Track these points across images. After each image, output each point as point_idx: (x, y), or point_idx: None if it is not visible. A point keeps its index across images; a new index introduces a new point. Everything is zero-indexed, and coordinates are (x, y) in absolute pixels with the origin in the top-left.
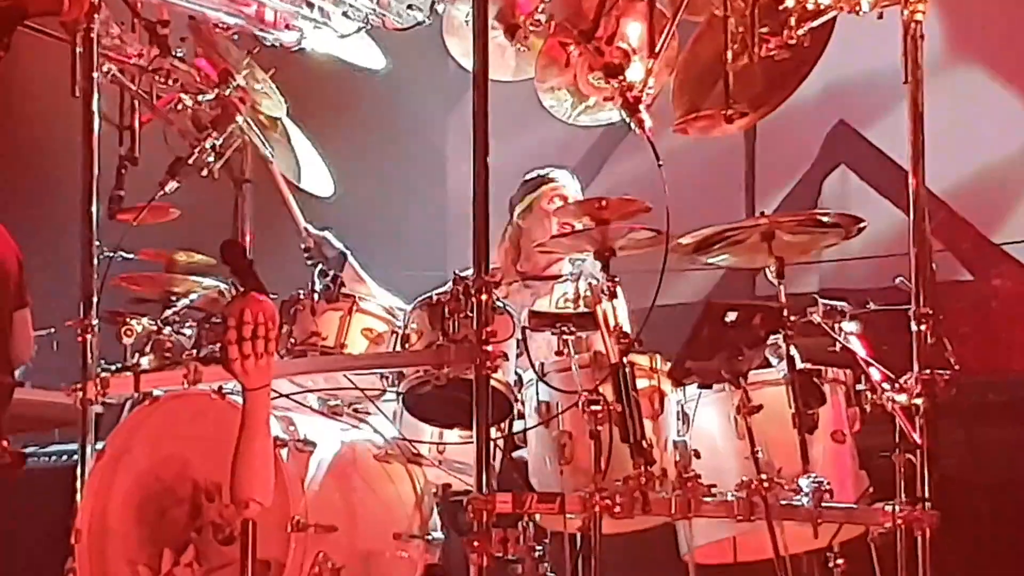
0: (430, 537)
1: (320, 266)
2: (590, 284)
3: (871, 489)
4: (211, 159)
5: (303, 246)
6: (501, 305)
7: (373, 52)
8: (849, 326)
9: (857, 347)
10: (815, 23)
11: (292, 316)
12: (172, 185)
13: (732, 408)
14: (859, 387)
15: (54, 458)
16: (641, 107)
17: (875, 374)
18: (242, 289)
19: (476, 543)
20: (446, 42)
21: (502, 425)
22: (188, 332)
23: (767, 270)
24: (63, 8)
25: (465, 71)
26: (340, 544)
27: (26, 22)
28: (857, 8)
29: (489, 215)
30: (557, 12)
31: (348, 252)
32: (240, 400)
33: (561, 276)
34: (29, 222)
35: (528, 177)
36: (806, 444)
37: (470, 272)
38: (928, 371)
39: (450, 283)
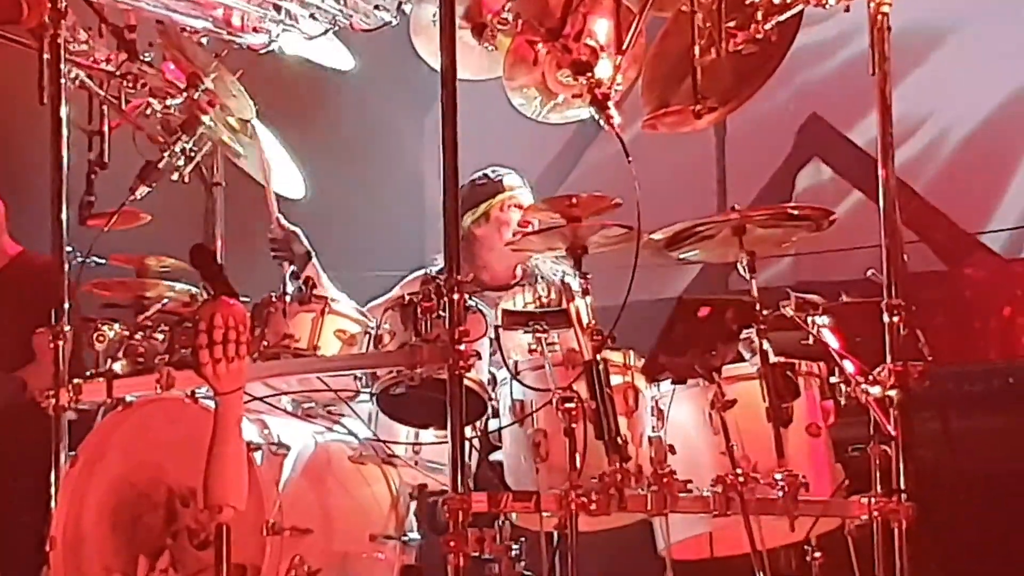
0: (406, 538)
1: (284, 263)
2: (549, 285)
3: (847, 482)
4: (181, 163)
5: (270, 236)
6: (473, 304)
7: (342, 53)
8: (822, 319)
9: (830, 340)
10: (782, 17)
11: (264, 319)
12: (143, 190)
13: (706, 403)
14: (833, 380)
15: None
16: (610, 104)
17: (849, 367)
18: (212, 293)
19: (452, 543)
20: (414, 42)
21: (477, 424)
22: (160, 337)
23: (740, 264)
24: (23, 15)
25: (436, 71)
26: (316, 547)
27: None
28: (823, 1)
29: (459, 214)
30: (524, 10)
31: (313, 252)
32: (213, 404)
33: (508, 286)
34: None
35: (477, 180)
36: (781, 438)
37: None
38: (901, 363)
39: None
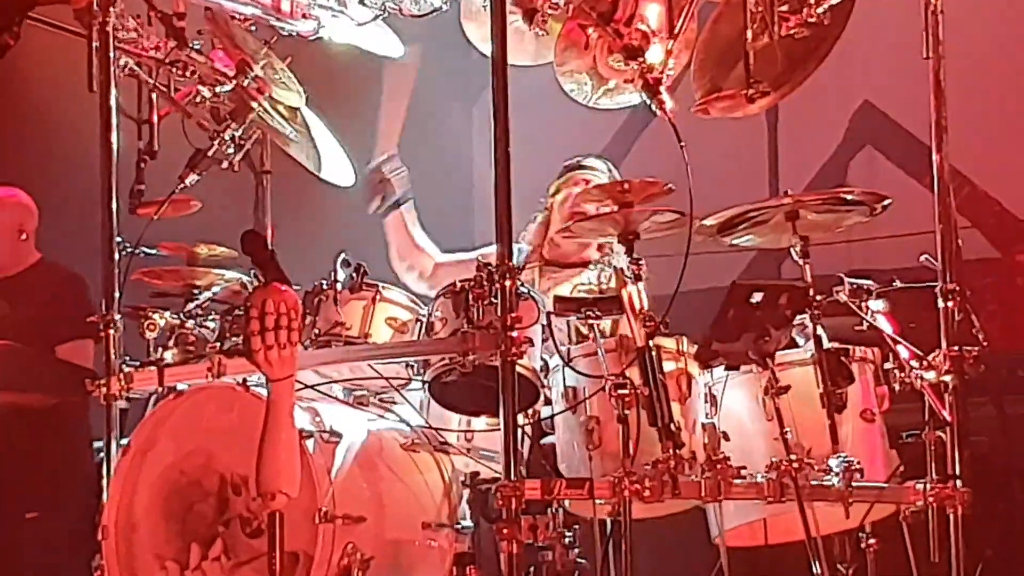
0: (459, 525)
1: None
2: (616, 270)
3: (902, 468)
4: (231, 151)
5: (371, 168)
6: (525, 290)
7: (392, 40)
8: (876, 304)
9: (884, 325)
10: (835, 0)
11: (315, 306)
12: (192, 178)
13: (760, 389)
14: (887, 366)
15: None
16: (662, 88)
17: (903, 352)
18: (264, 280)
19: (506, 530)
20: (464, 27)
21: (529, 411)
22: (211, 325)
23: (793, 251)
24: None
25: (486, 57)
26: (369, 534)
27: (42, 18)
28: None
29: (511, 200)
30: None
31: (405, 201)
32: (265, 392)
33: (581, 264)
34: (49, 219)
35: (567, 163)
36: (835, 424)
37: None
38: (956, 348)
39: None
